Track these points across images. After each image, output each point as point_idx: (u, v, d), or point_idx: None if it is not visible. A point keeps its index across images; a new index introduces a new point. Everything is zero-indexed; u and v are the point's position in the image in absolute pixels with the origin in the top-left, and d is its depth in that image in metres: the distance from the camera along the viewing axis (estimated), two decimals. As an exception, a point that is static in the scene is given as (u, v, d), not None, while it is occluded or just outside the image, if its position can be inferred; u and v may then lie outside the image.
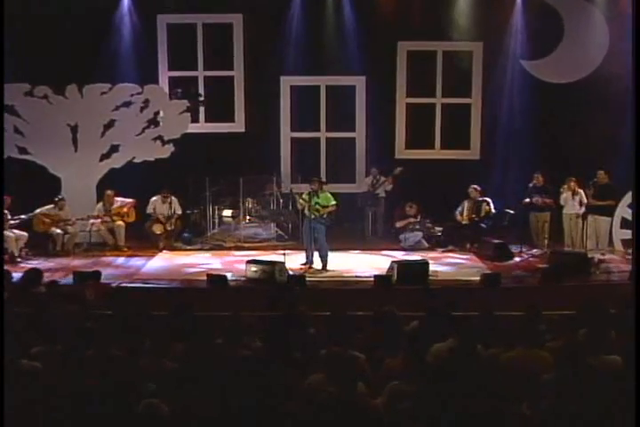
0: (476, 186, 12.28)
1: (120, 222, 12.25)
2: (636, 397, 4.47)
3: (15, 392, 4.66)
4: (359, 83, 14.02)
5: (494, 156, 13.84)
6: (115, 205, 12.38)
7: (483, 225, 12.10)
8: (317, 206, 10.69)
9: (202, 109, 13.64)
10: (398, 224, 12.50)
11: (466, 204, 12.28)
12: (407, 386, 4.72)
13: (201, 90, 13.78)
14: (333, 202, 10.79)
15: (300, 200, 10.96)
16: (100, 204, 12.37)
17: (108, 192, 12.40)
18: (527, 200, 11.93)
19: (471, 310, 6.74)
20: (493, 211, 12.15)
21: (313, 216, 10.68)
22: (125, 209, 12.40)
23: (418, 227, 12.38)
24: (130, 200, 12.53)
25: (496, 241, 11.57)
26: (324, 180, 11.41)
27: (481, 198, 12.21)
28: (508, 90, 13.76)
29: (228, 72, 14.01)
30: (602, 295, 7.80)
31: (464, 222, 12.20)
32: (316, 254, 10.82)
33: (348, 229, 13.25)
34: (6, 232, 11.07)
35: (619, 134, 12.42)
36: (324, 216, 10.71)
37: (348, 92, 14.11)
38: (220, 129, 13.78)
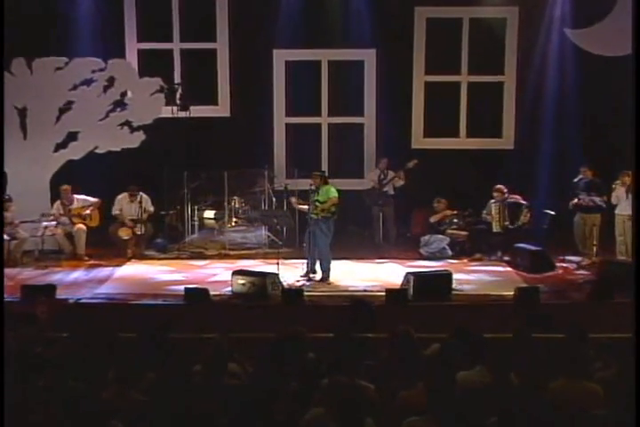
0: (501, 186, 12.23)
1: (81, 226, 12.25)
2: (636, 396, 4.52)
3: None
4: (368, 57, 14.04)
5: (531, 145, 13.84)
6: (75, 205, 12.39)
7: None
8: (317, 204, 10.69)
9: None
10: (432, 219, 12.60)
11: (493, 206, 12.22)
12: (427, 423, 4.72)
13: (177, 66, 13.81)
14: (334, 194, 10.75)
15: (293, 199, 10.96)
16: (58, 202, 12.37)
17: (64, 187, 12.39)
18: (575, 201, 11.89)
19: (504, 331, 6.74)
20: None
21: (313, 217, 10.68)
22: (88, 210, 12.40)
23: (456, 220, 12.46)
24: (94, 200, 12.53)
25: (533, 248, 11.55)
26: (325, 173, 11.36)
27: (521, 202, 12.17)
28: (549, 65, 13.74)
29: (210, 44, 14.03)
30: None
31: (495, 230, 12.19)
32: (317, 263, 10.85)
33: (355, 233, 13.26)
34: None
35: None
36: (326, 214, 10.66)
37: (356, 69, 14.14)
38: (200, 113, 13.74)
